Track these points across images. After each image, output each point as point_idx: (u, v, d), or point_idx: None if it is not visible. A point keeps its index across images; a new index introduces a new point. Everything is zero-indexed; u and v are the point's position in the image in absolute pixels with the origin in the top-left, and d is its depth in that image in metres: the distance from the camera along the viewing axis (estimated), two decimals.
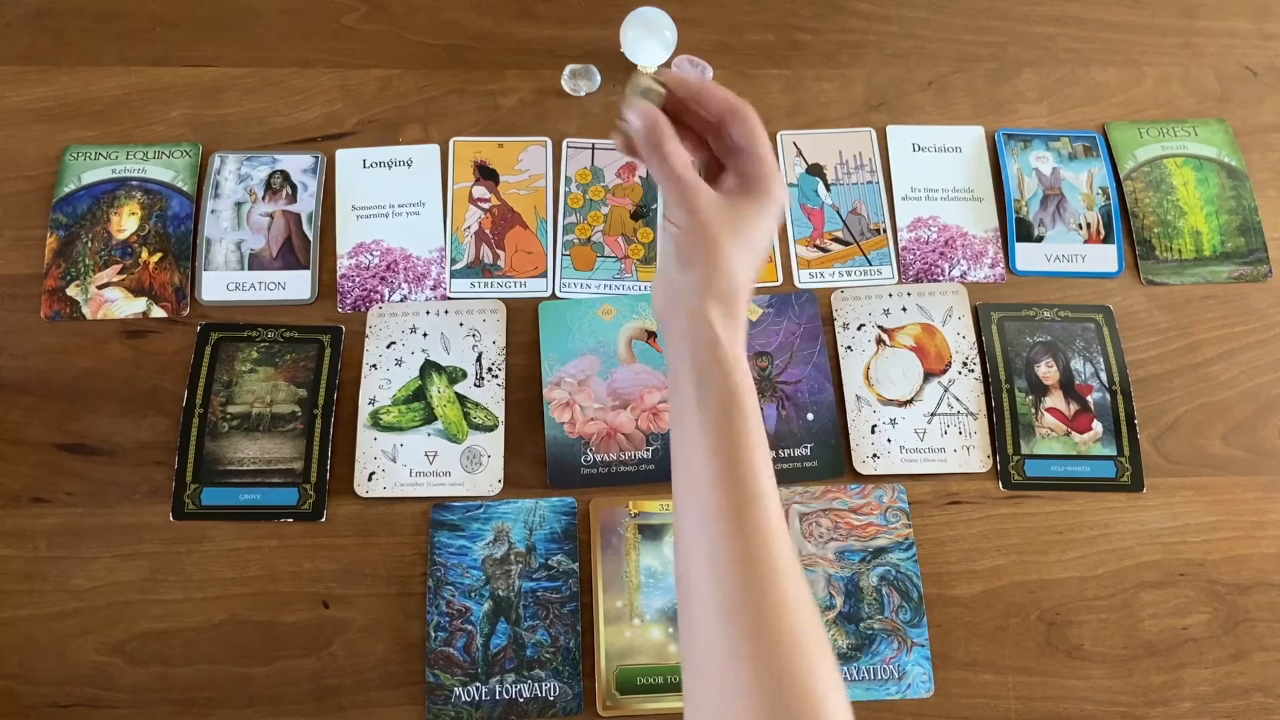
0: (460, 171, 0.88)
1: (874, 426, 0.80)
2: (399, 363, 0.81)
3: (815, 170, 0.90)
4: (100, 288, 0.82)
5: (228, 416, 0.78)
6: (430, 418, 0.79)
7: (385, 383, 0.80)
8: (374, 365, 0.80)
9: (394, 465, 0.77)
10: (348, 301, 0.83)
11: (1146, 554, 0.77)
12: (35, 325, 0.81)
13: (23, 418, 0.78)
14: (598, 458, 0.78)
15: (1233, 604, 0.75)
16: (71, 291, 0.82)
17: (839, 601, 0.74)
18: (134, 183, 0.86)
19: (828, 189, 0.89)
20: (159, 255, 0.84)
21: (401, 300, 0.83)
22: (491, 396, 0.80)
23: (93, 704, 0.70)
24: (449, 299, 0.84)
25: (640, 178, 0.89)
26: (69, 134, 0.88)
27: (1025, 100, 0.94)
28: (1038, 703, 0.72)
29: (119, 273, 0.83)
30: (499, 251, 0.86)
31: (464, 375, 0.81)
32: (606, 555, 0.75)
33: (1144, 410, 0.81)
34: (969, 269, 0.86)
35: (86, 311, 0.82)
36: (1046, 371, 0.82)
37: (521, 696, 0.71)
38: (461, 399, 0.80)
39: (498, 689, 0.71)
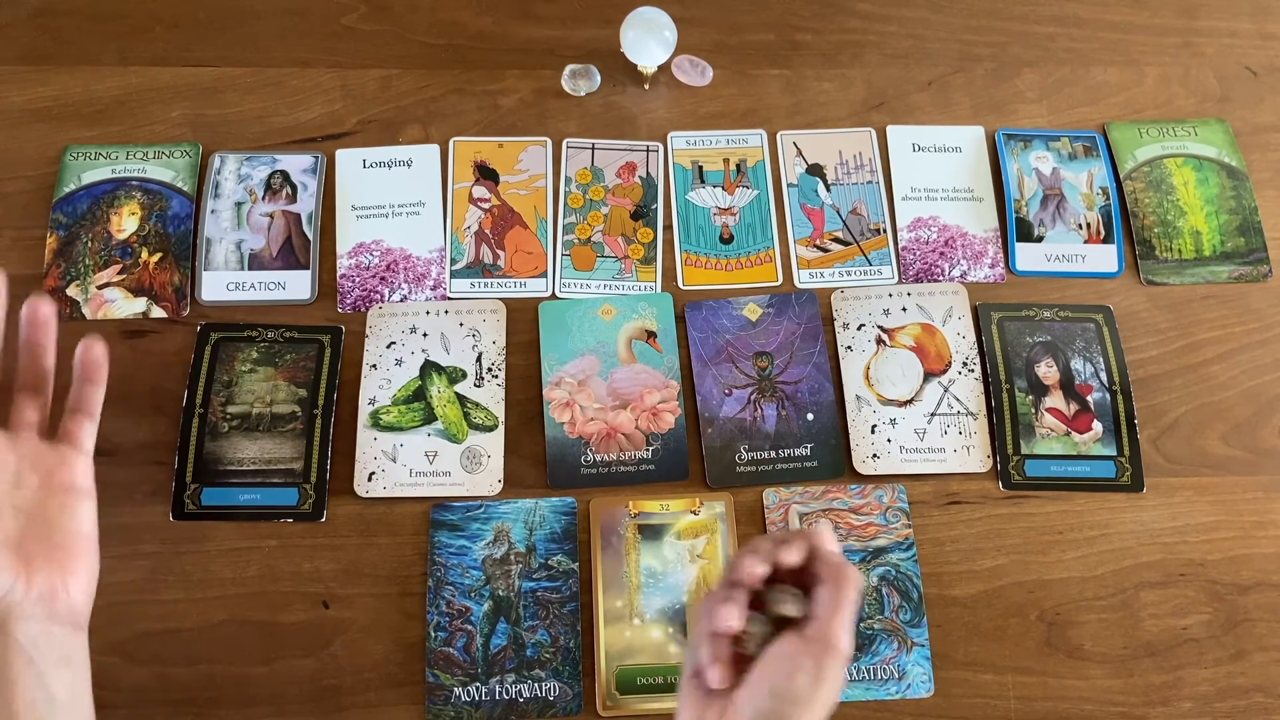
0: (460, 171, 0.88)
1: (874, 426, 0.80)
2: (399, 363, 0.81)
3: (815, 170, 0.90)
4: (100, 288, 0.82)
5: (228, 416, 0.78)
6: (430, 418, 0.79)
7: (385, 383, 0.80)
8: (374, 365, 0.80)
9: (394, 465, 0.77)
10: (348, 301, 0.83)
11: (1146, 554, 0.77)
12: None
13: None
14: (598, 458, 0.78)
15: (1233, 604, 0.75)
16: (71, 291, 0.82)
17: None
18: (134, 183, 0.86)
19: (828, 189, 0.89)
20: (159, 255, 0.84)
21: (401, 300, 0.83)
22: (491, 396, 0.80)
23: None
24: (449, 299, 0.84)
25: (640, 178, 0.89)
26: (69, 134, 0.88)
27: (1025, 100, 0.94)
28: (1038, 703, 0.72)
29: (119, 273, 0.83)
30: (499, 251, 0.86)
31: (464, 375, 0.81)
32: (606, 555, 0.75)
33: (1144, 410, 0.81)
34: (969, 269, 0.86)
35: (86, 311, 0.82)
36: (1046, 371, 0.82)
37: (521, 696, 0.71)
38: (461, 399, 0.80)
39: (498, 689, 0.71)
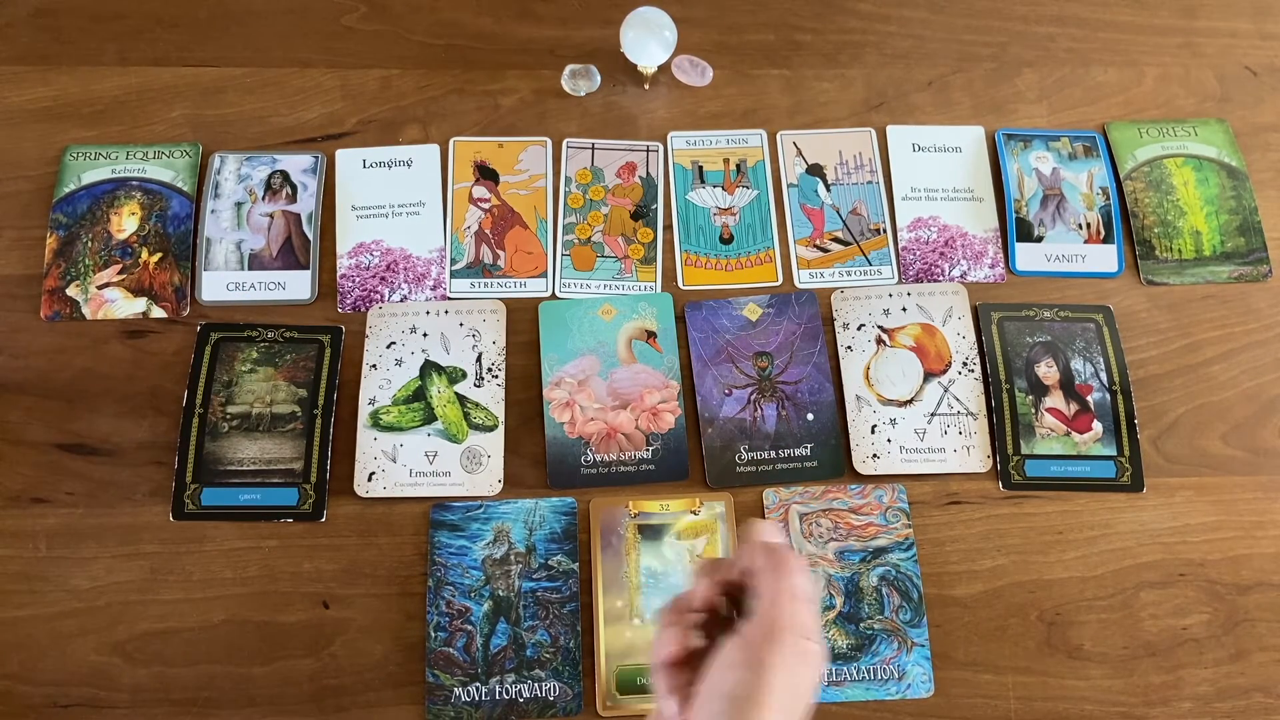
0: (460, 171, 0.88)
1: (874, 426, 0.80)
2: (399, 363, 0.81)
3: (815, 170, 0.90)
4: (100, 288, 0.82)
5: (228, 416, 0.78)
6: (430, 418, 0.79)
7: (385, 383, 0.80)
8: (374, 365, 0.80)
9: (394, 465, 0.77)
10: (348, 301, 0.83)
11: (1146, 554, 0.77)
12: (35, 325, 0.81)
13: (23, 418, 0.78)
14: (598, 458, 0.78)
15: (1233, 604, 0.75)
16: (71, 291, 0.82)
17: (839, 601, 0.74)
18: (134, 183, 0.86)
19: (828, 189, 0.89)
20: (159, 255, 0.84)
21: (401, 300, 0.83)
22: (491, 396, 0.80)
23: (93, 704, 0.70)
24: (449, 299, 0.84)
25: (640, 178, 0.89)
26: (69, 134, 0.88)
27: (1025, 100, 0.94)
28: (1038, 703, 0.72)
29: (119, 273, 0.83)
30: (499, 251, 0.86)
31: (464, 375, 0.81)
32: (606, 555, 0.75)
33: (1144, 410, 0.81)
34: (969, 269, 0.86)
35: (86, 311, 0.82)
36: (1046, 371, 0.82)
37: (521, 696, 0.71)
38: (461, 399, 0.80)
39: (498, 689, 0.71)
